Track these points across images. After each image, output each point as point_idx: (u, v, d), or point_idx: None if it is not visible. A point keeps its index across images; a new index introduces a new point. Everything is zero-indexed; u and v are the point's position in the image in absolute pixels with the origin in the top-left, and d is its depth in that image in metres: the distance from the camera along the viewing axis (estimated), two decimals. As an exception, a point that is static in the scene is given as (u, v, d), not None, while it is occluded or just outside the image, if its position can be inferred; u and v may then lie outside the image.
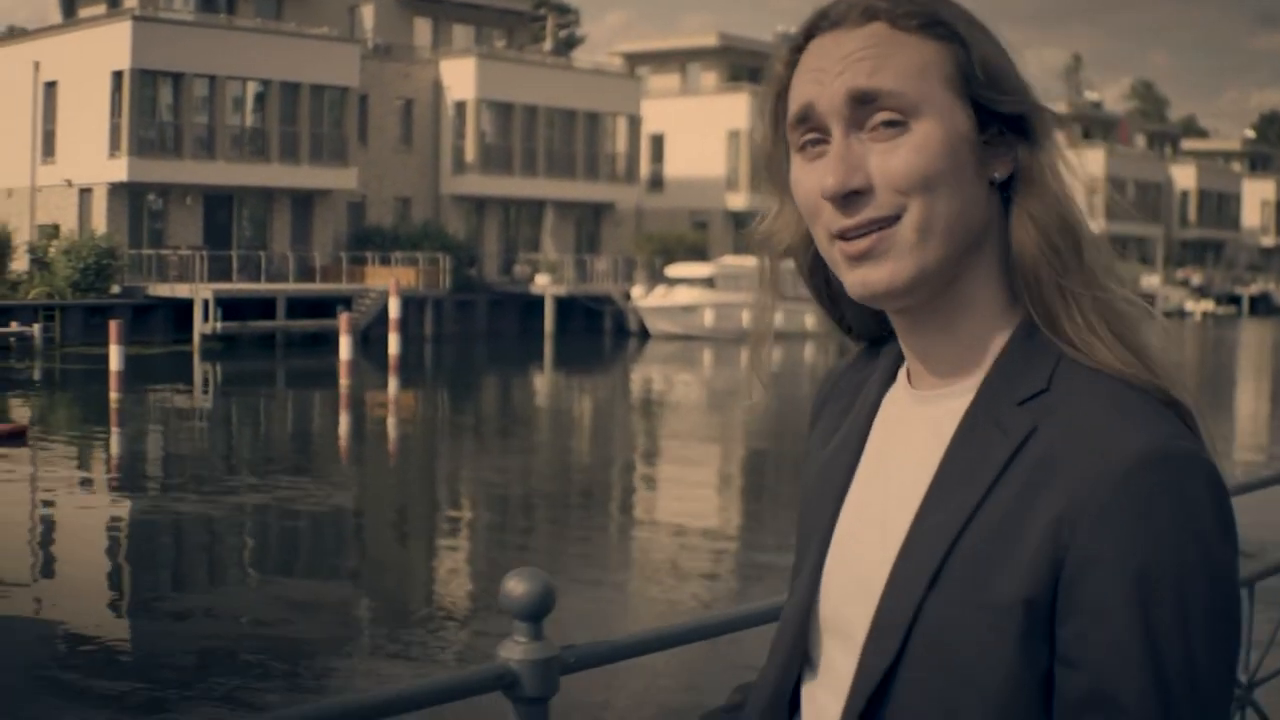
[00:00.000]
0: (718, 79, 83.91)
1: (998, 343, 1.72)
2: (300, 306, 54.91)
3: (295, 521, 21.38)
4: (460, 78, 66.22)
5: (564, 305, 63.78)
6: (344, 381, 40.19)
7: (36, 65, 59.67)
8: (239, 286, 55.37)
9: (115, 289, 53.58)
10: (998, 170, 1.70)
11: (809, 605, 1.82)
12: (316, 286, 57.46)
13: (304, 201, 61.19)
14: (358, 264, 60.03)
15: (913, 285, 1.67)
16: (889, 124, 1.65)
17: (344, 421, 35.41)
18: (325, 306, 54.68)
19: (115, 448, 29.87)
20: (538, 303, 63.73)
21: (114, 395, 35.46)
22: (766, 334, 1.93)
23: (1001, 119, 1.69)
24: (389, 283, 52.75)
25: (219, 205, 59.00)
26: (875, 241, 1.65)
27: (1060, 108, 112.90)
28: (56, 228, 56.60)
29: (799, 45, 1.75)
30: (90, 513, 22.08)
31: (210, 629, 14.98)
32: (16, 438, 28.09)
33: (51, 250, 54.07)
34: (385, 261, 59.66)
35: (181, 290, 53.69)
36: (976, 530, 1.62)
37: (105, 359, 44.73)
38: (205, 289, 52.93)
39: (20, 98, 60.26)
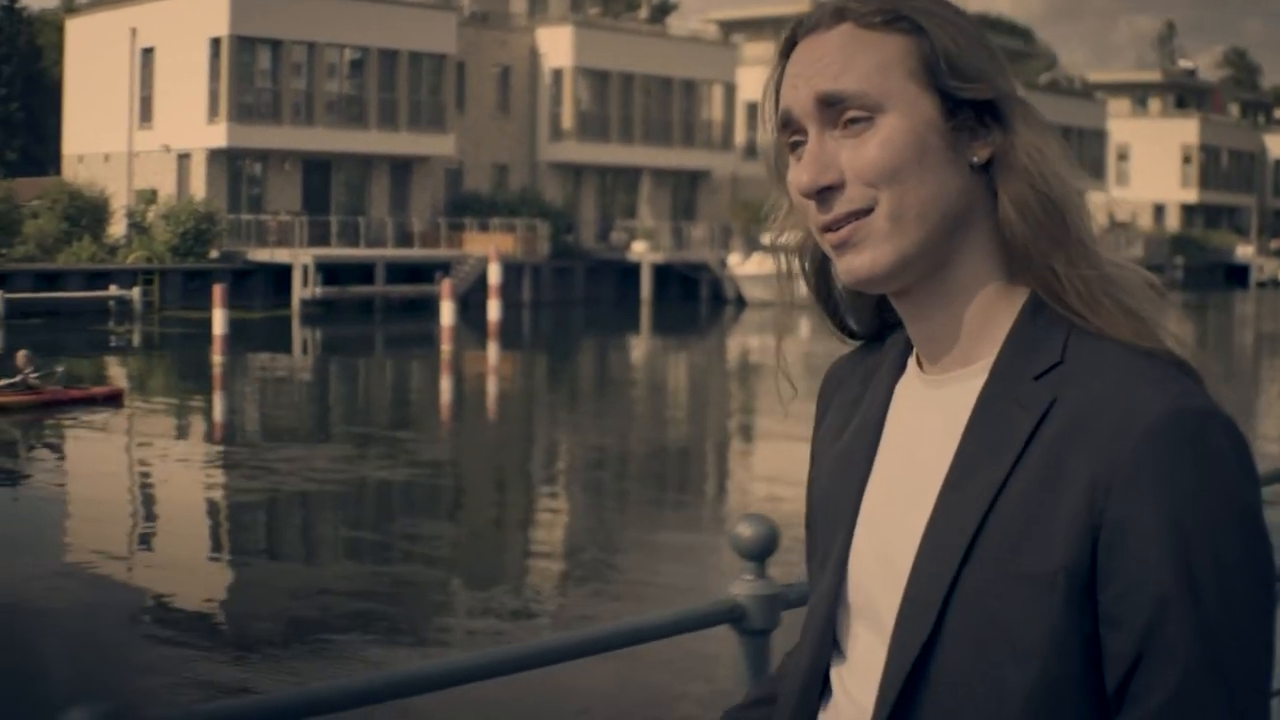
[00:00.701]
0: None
1: (1005, 321, 1.75)
2: (398, 272, 54.92)
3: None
4: (557, 45, 66.15)
5: (661, 272, 63.62)
6: (446, 347, 40.08)
7: (133, 31, 59.92)
8: (338, 252, 55.45)
9: (214, 254, 53.78)
10: (976, 154, 1.73)
11: (837, 592, 1.84)
12: (415, 252, 57.43)
13: (402, 168, 61.28)
14: (456, 230, 60.00)
15: (895, 270, 1.72)
16: (856, 120, 1.71)
17: (448, 385, 35.30)
18: (423, 272, 54.66)
19: (219, 410, 29.97)
20: (634, 270, 63.63)
21: (217, 359, 35.62)
22: (789, 333, 2.01)
23: (972, 104, 1.73)
24: (488, 249, 52.69)
25: (317, 171, 59.13)
26: (852, 231, 1.72)
27: (1154, 76, 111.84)
28: (154, 193, 56.77)
29: (786, 52, 1.81)
30: (193, 474, 22.06)
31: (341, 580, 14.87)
32: (113, 400, 28.24)
33: (150, 215, 54.27)
34: (483, 228, 59.65)
35: (281, 255, 53.82)
36: (1007, 503, 1.65)
37: (204, 323, 45.01)
38: (305, 254, 53.00)
39: (117, 64, 60.54)
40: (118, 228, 55.17)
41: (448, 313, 41.21)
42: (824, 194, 1.72)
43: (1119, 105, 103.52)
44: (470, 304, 51.65)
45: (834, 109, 1.71)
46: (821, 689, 1.86)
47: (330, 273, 53.03)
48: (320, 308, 51.96)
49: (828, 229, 1.74)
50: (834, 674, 1.85)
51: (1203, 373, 1.70)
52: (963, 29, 1.74)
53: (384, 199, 60.80)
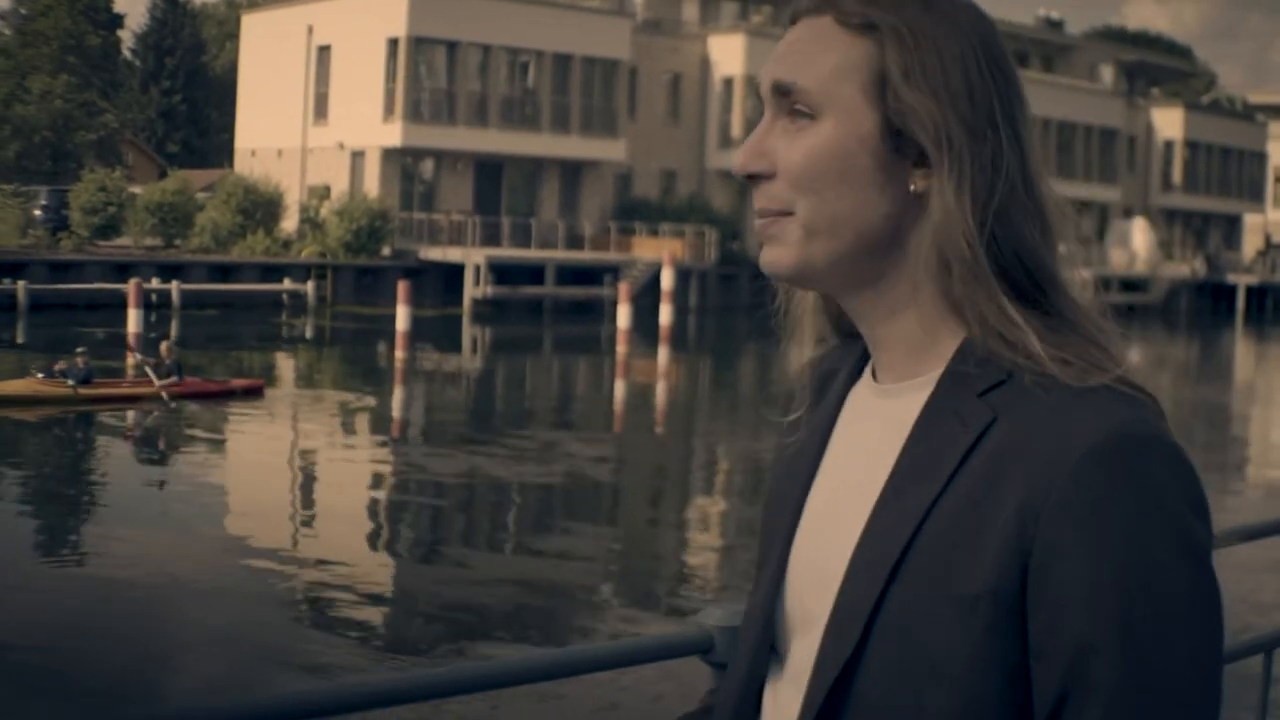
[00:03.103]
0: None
1: (954, 337, 1.69)
2: (566, 274, 55.07)
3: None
4: (728, 54, 66.10)
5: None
6: (621, 349, 40.11)
7: (310, 29, 60.65)
8: (510, 253, 55.75)
9: (386, 251, 54.21)
10: (914, 182, 1.67)
11: (773, 600, 1.80)
12: (585, 255, 57.63)
13: (572, 171, 61.58)
14: (625, 234, 60.14)
15: (799, 276, 1.72)
16: (800, 114, 1.68)
17: (623, 388, 35.33)
18: (592, 275, 54.83)
19: (399, 405, 30.22)
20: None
21: (399, 354, 35.98)
22: (797, 327, 1.91)
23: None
24: (661, 254, 52.65)
25: (488, 172, 59.52)
26: (771, 223, 1.71)
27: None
28: (327, 189, 57.40)
29: (791, 24, 1.77)
30: (368, 468, 22.19)
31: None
32: (254, 393, 28.21)
33: (323, 211, 54.82)
34: (652, 233, 59.72)
35: (453, 254, 54.19)
36: (938, 521, 1.59)
37: (375, 319, 45.49)
38: (478, 254, 53.32)
39: (293, 60, 61.31)
40: (290, 223, 55.80)
41: (624, 315, 41.25)
42: (755, 180, 1.71)
43: (1278, 127, 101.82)
44: (638, 308, 51.70)
45: (786, 98, 1.69)
46: (758, 700, 1.82)
47: (501, 273, 53.31)
48: (490, 307, 52.22)
49: (760, 214, 1.73)
50: (769, 684, 1.81)
51: (1160, 403, 1.62)
52: (930, 55, 1.65)
53: (553, 201, 61.12)
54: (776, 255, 1.71)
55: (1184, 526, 1.52)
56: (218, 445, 23.94)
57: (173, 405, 25.58)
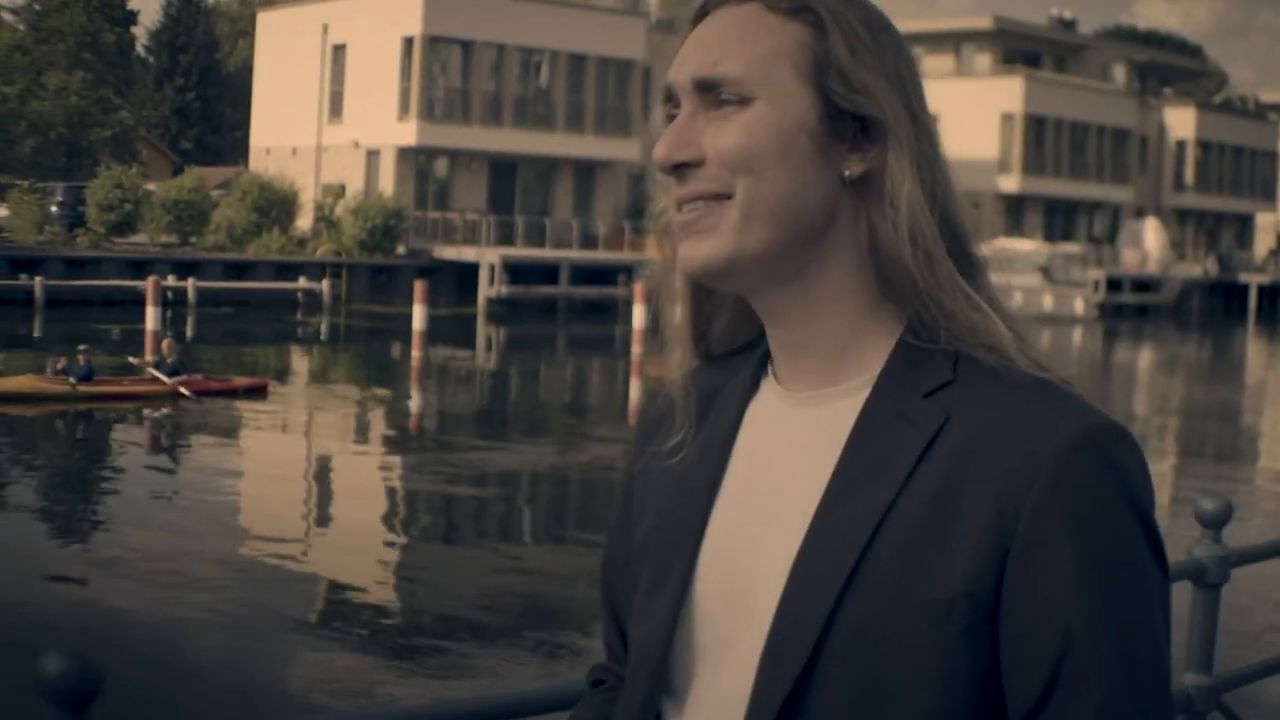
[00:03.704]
0: (992, 61, 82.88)
1: (877, 339, 1.66)
2: (581, 274, 55.08)
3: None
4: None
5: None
6: (636, 349, 40.13)
7: (325, 27, 60.75)
8: (524, 252, 55.81)
9: (400, 250, 54.29)
10: (849, 167, 1.64)
11: (669, 631, 1.68)
12: (599, 255, 57.65)
13: (586, 171, 61.69)
14: (639, 234, 60.12)
15: (730, 267, 1.64)
16: (727, 102, 1.63)
17: (638, 388, 35.34)
18: (606, 275, 54.85)
19: (417, 403, 30.27)
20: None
21: (415, 354, 36.04)
22: (682, 333, 1.84)
23: (855, 116, 1.63)
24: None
25: (502, 171, 59.60)
26: (702, 215, 1.64)
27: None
28: (342, 187, 57.48)
29: (696, 20, 1.73)
30: (390, 467, 22.23)
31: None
32: (257, 392, 27.84)
33: (338, 209, 54.90)
34: (667, 233, 59.44)
35: (468, 253, 54.25)
36: (897, 524, 1.54)
37: (389, 318, 45.53)
38: (492, 253, 53.38)
39: (308, 59, 61.42)
40: (305, 221, 55.89)
41: (639, 315, 41.25)
42: (681, 170, 1.64)
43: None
44: (652, 307, 51.67)
45: (710, 93, 1.64)
46: None
47: (515, 272, 53.35)
48: (504, 306, 52.29)
49: (680, 206, 1.66)
50: (667, 718, 1.71)
51: (1082, 393, 1.62)
52: (866, 38, 1.64)
53: (567, 201, 61.22)
54: (708, 248, 1.63)
55: (1149, 513, 1.55)
56: (229, 443, 23.87)
57: (188, 399, 25.47)
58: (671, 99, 1.69)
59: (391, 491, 20.23)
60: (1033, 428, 1.54)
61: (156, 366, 26.18)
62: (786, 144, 1.61)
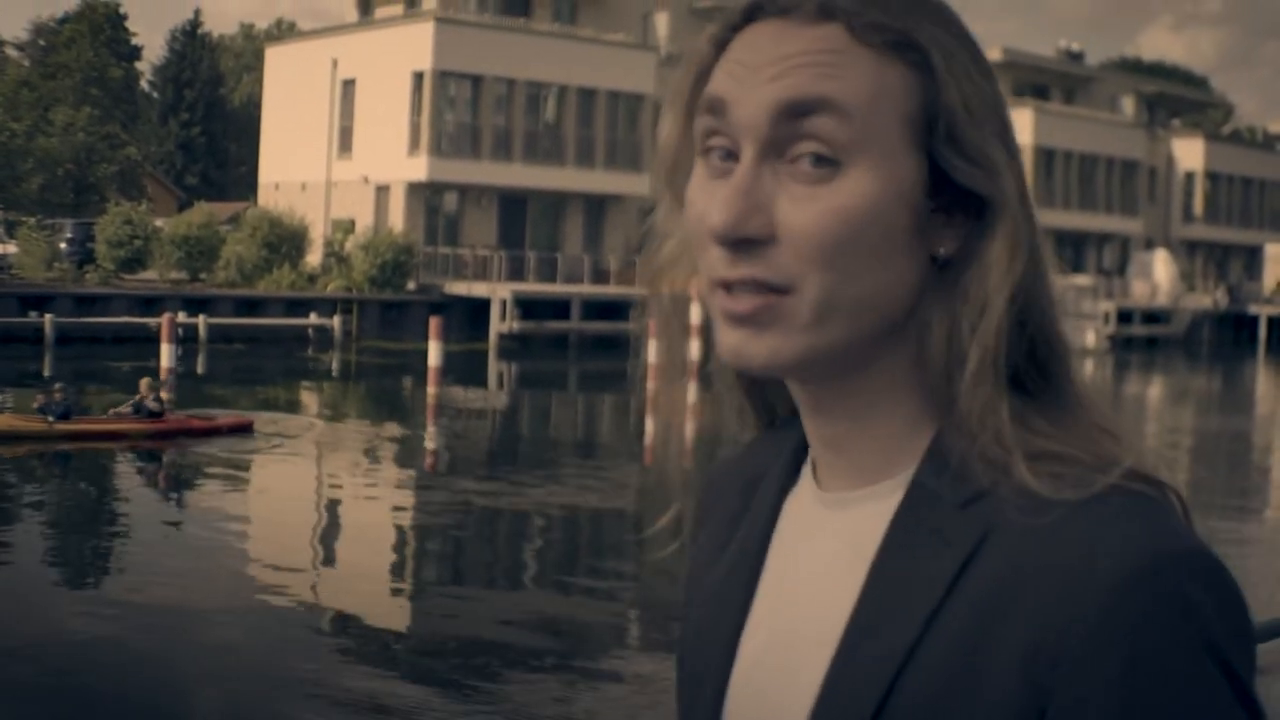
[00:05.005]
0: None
1: (919, 433, 1.35)
2: (592, 309, 55.00)
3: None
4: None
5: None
6: (650, 384, 39.98)
7: (334, 62, 60.72)
8: (536, 287, 55.74)
9: (410, 285, 54.18)
10: (943, 246, 1.31)
11: None
12: (611, 290, 57.52)
13: (596, 205, 61.59)
14: (651, 269, 60.12)
15: (797, 368, 1.32)
16: (817, 160, 1.25)
17: (652, 424, 35.19)
18: (618, 310, 54.75)
19: (433, 440, 30.10)
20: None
21: (431, 390, 35.82)
22: (679, 379, 1.65)
23: (957, 187, 1.29)
24: (688, 289, 52.62)
25: (513, 206, 59.57)
26: (761, 307, 1.28)
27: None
28: (352, 223, 57.41)
29: (736, 25, 1.32)
30: (401, 504, 22.04)
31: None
32: (242, 430, 26.88)
33: (348, 245, 54.83)
34: (679, 268, 59.53)
35: (479, 289, 54.14)
36: (922, 664, 1.26)
37: (401, 354, 45.43)
38: (504, 288, 53.28)
39: (318, 93, 61.41)
40: (315, 257, 55.81)
41: (654, 350, 41.11)
42: (740, 245, 1.27)
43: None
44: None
45: (794, 126, 1.26)
46: None
47: (526, 308, 53.28)
48: (516, 342, 52.18)
49: (727, 287, 1.30)
50: None
51: (1178, 490, 1.29)
52: (981, 86, 1.30)
53: (578, 235, 61.17)
54: (768, 347, 1.30)
55: (1239, 672, 1.19)
56: (239, 481, 23.67)
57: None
58: (716, 120, 1.31)
59: (394, 529, 20.03)
60: (1079, 554, 1.21)
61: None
62: (887, 227, 1.27)
